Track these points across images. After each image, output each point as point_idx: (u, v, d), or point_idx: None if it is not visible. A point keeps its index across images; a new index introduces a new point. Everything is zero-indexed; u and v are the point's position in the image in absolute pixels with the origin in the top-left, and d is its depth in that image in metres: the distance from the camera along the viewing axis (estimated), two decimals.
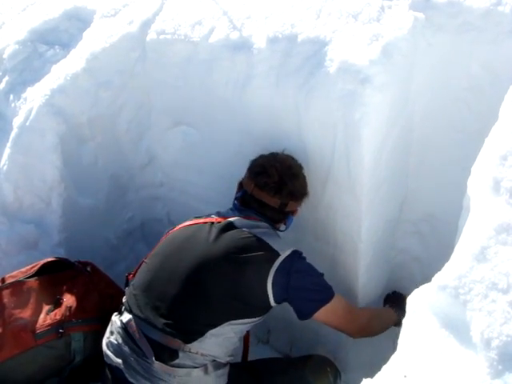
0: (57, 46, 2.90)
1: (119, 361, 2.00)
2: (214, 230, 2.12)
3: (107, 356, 2.04)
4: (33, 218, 2.68)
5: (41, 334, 2.08)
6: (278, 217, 2.27)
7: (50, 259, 2.33)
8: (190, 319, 2.00)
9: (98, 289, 2.27)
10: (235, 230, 2.12)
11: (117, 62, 2.73)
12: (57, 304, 2.17)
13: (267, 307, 2.10)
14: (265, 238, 2.11)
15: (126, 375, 1.97)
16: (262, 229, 2.17)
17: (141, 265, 2.20)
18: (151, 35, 2.68)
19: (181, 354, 1.96)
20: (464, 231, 1.61)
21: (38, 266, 2.28)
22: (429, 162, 2.53)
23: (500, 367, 1.32)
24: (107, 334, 2.10)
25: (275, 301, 2.07)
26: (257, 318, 2.11)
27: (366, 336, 2.35)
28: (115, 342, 2.04)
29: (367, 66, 2.16)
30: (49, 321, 2.10)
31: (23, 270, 2.29)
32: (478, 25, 2.25)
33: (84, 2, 3.01)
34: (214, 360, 2.02)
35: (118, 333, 2.05)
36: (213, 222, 2.17)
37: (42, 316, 2.12)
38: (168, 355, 1.96)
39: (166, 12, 2.73)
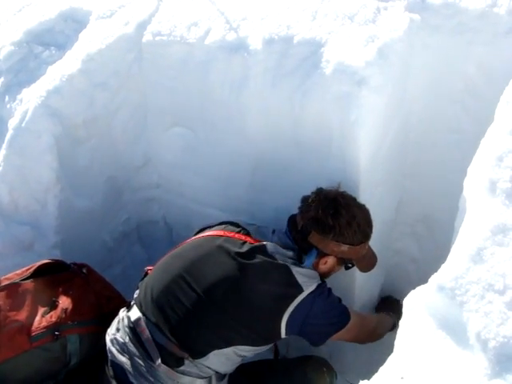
0: (52, 47, 2.88)
1: (123, 359, 1.99)
2: (245, 250, 2.03)
3: (111, 352, 2.03)
4: (28, 219, 2.66)
5: (36, 336, 2.06)
6: (302, 243, 2.11)
7: (45, 261, 2.31)
8: (197, 338, 1.96)
9: (94, 291, 2.25)
10: (265, 256, 2.02)
11: (113, 63, 2.72)
12: (52, 306, 2.15)
13: (277, 339, 2.07)
14: (294, 270, 2.01)
15: (129, 375, 1.97)
16: (291, 259, 2.06)
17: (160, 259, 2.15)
18: (147, 36, 2.67)
19: (186, 362, 1.95)
20: (460, 232, 1.61)
21: (34, 267, 2.27)
22: (425, 163, 2.53)
23: (497, 368, 1.33)
24: (113, 329, 2.07)
25: (286, 334, 2.02)
26: (263, 347, 2.08)
27: (369, 342, 2.33)
28: (121, 340, 2.02)
29: (363, 68, 2.16)
30: (44, 323, 2.09)
31: (19, 271, 2.28)
32: (474, 26, 2.26)
33: (80, 3, 3.00)
34: (218, 372, 2.01)
35: (125, 331, 2.03)
36: (245, 241, 2.07)
37: (37, 318, 2.10)
38: (174, 361, 1.95)
39: (161, 13, 2.72)
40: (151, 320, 1.99)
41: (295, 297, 1.97)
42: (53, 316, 2.11)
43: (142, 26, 2.72)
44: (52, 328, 2.08)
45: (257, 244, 2.05)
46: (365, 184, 2.29)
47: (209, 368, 1.98)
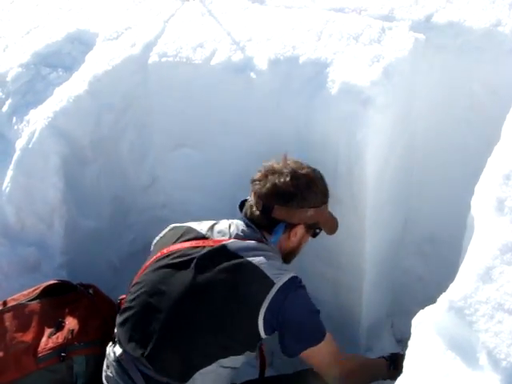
0: (60, 69, 2.91)
1: None
2: (205, 258, 1.94)
3: None
4: (35, 240, 2.67)
5: (43, 357, 2.05)
6: (267, 222, 2.03)
7: (52, 282, 2.31)
8: (177, 363, 1.90)
9: (101, 312, 2.24)
10: (227, 257, 1.94)
11: (119, 84, 2.74)
12: (59, 327, 2.14)
13: (258, 340, 1.96)
14: (261, 264, 1.91)
15: None
16: (258, 251, 1.96)
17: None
18: (153, 58, 2.69)
19: None
20: (468, 251, 1.60)
21: (40, 288, 2.27)
22: (431, 181, 2.53)
23: None
24: (104, 366, 2.04)
25: (266, 333, 1.92)
26: (248, 353, 1.98)
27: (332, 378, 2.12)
28: (111, 375, 1.99)
29: (368, 87, 2.17)
30: (51, 344, 2.08)
31: (25, 292, 2.28)
32: (479, 45, 2.27)
33: (87, 25, 3.03)
34: None
35: (113, 366, 1.99)
36: (204, 246, 1.98)
37: (43, 339, 2.10)
38: None
39: (167, 35, 2.75)
40: (131, 354, 1.94)
41: (267, 292, 1.87)
42: (59, 337, 2.10)
43: (148, 48, 2.74)
44: (58, 349, 2.07)
45: (216, 246, 1.97)
46: (372, 203, 2.29)
47: None
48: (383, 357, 2.22)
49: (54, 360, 2.06)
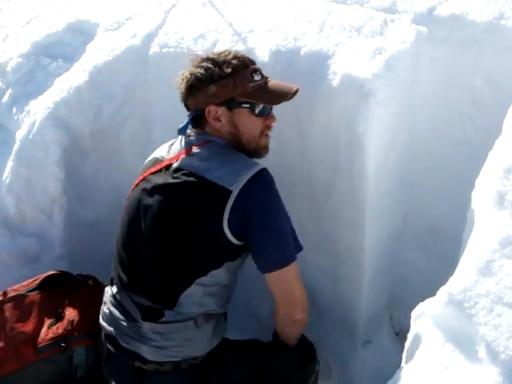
0: (60, 59, 2.91)
1: (111, 329, 2.01)
2: (159, 183, 1.97)
3: (103, 327, 2.06)
4: (35, 231, 2.67)
5: (42, 348, 2.06)
6: (198, 121, 2.03)
7: (51, 272, 2.32)
8: (160, 288, 1.95)
9: (101, 302, 2.25)
10: (180, 175, 1.94)
11: (120, 75, 2.74)
12: (59, 318, 2.15)
13: (233, 247, 1.92)
14: (214, 178, 1.88)
15: (119, 341, 1.98)
16: (208, 160, 1.93)
17: None
18: (154, 48, 2.69)
19: (166, 312, 1.93)
20: (468, 244, 1.60)
21: (40, 279, 2.28)
22: (432, 174, 2.53)
23: (507, 382, 1.31)
24: (102, 305, 2.11)
25: (238, 239, 1.91)
26: (228, 264, 1.95)
27: (294, 326, 2.10)
28: (107, 311, 2.05)
29: (370, 80, 2.16)
30: (51, 335, 2.09)
31: (25, 283, 2.28)
32: (481, 39, 2.26)
33: (87, 16, 3.02)
34: (204, 312, 1.97)
35: (110, 301, 2.06)
36: (161, 169, 2.01)
37: (43, 330, 2.11)
38: (153, 315, 1.94)
39: (168, 25, 2.74)
40: (124, 286, 2.01)
41: (225, 202, 1.86)
42: (59, 327, 2.11)
43: (149, 38, 2.73)
44: (58, 339, 2.08)
45: (171, 169, 1.98)
46: (372, 195, 2.29)
47: (188, 312, 1.94)
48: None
49: (53, 350, 2.07)
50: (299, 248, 1.99)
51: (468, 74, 2.31)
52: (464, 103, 2.35)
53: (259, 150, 2.09)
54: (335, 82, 2.21)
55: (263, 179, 1.92)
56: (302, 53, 2.35)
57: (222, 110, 2.00)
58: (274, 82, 2.07)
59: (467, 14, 2.30)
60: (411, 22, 2.32)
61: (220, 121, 2.01)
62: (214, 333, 2.00)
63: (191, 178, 1.92)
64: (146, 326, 1.93)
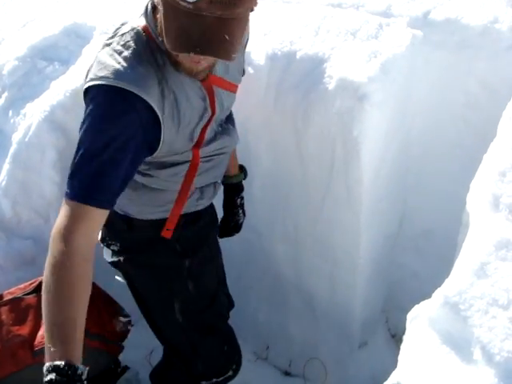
0: (56, 62, 2.90)
1: None
2: None
3: None
4: (31, 233, 2.67)
5: (39, 350, 2.06)
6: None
7: None
8: None
9: (97, 306, 2.25)
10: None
11: None
12: None
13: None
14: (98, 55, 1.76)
15: None
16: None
17: None
18: None
19: None
20: (463, 247, 1.61)
21: (37, 282, 2.27)
22: (427, 177, 2.54)
23: None
24: None
25: None
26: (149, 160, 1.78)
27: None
28: None
29: (365, 83, 2.17)
30: None
31: (21, 286, 2.28)
32: (476, 42, 2.27)
33: (83, 19, 3.02)
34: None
35: None
36: None
37: (40, 333, 2.10)
38: None
39: None
40: None
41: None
42: None
43: None
44: None
45: None
46: (367, 199, 2.30)
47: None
48: None
49: None
50: (89, 198, 1.61)
51: (463, 78, 2.32)
52: (459, 106, 2.37)
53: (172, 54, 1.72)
54: (331, 86, 2.22)
55: (93, 94, 1.68)
56: (297, 56, 2.36)
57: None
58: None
59: (462, 17, 2.31)
60: (406, 26, 2.33)
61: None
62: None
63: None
64: None
